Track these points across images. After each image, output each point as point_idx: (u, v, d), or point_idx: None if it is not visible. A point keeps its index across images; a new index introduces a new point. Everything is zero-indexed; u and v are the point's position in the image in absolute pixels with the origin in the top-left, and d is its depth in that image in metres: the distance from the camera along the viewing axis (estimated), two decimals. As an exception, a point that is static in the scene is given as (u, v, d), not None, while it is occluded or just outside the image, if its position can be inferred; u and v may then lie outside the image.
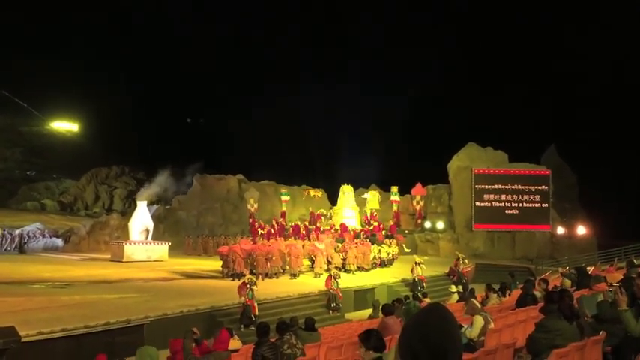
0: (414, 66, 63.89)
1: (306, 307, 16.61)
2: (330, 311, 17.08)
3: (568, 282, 10.65)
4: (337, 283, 17.51)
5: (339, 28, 75.32)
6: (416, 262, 20.79)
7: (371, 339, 3.73)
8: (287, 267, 21.65)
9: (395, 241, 28.48)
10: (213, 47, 73.45)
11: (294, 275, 21.27)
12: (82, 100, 49.89)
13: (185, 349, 6.63)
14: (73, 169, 60.83)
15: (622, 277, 8.80)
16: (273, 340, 7.04)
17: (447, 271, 23.68)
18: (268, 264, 20.93)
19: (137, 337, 12.41)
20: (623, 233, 30.28)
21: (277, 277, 20.86)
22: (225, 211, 38.96)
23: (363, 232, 30.56)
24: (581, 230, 33.13)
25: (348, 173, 39.56)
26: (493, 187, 33.57)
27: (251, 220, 36.46)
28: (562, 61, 55.98)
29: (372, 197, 36.21)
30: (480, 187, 33.65)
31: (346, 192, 35.92)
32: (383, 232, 30.79)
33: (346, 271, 22.47)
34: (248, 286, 14.61)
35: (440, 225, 34.57)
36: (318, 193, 39.82)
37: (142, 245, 27.95)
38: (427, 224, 35.12)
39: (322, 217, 35.32)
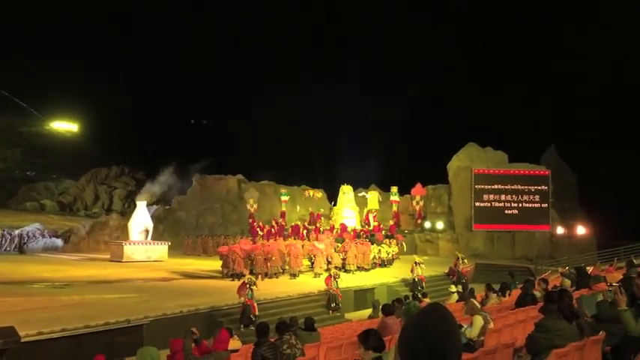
0: (414, 66, 63.98)
1: (305, 307, 16.61)
2: (330, 311, 17.07)
3: (568, 282, 10.65)
4: (337, 283, 17.51)
5: (339, 28, 75.37)
6: (415, 262, 20.79)
7: (370, 339, 3.73)
8: (287, 267, 21.66)
9: (395, 241, 28.50)
10: (213, 47, 73.49)
11: (293, 275, 21.27)
12: (81, 100, 49.86)
13: (185, 349, 6.63)
14: (73, 169, 60.81)
15: (622, 277, 8.80)
16: (272, 340, 7.04)
17: (446, 271, 23.69)
18: (268, 264, 20.94)
19: (137, 337, 12.40)
20: (623, 233, 30.30)
21: (277, 277, 20.85)
22: (225, 211, 38.95)
23: (362, 232, 30.58)
24: (580, 230, 33.15)
25: (348, 173, 39.61)
26: (493, 187, 33.58)
27: (251, 220, 36.45)
28: (562, 61, 56.02)
29: (372, 197, 36.24)
30: (479, 187, 33.66)
31: (346, 192, 35.94)
32: (383, 232, 30.80)
33: (346, 271, 22.47)
34: (248, 286, 14.61)
35: (439, 225, 34.57)
36: (317, 194, 39.82)
37: (142, 245, 27.94)
38: (427, 224, 35.13)
39: (322, 217, 35.34)
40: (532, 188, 33.33)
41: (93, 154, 58.58)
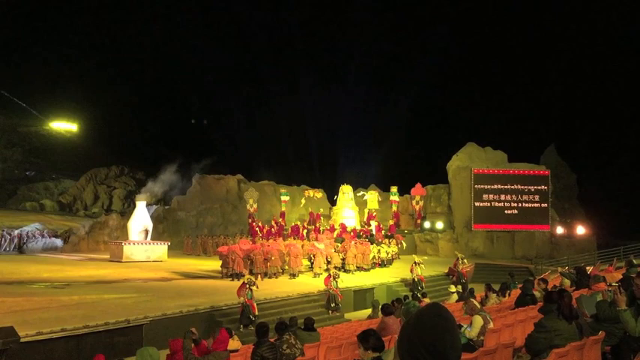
0: (414, 66, 64.01)
1: (305, 307, 16.60)
2: (330, 311, 17.06)
3: (567, 282, 10.65)
4: (336, 283, 17.50)
5: (340, 28, 75.45)
6: (415, 262, 20.78)
7: (369, 339, 3.72)
8: (286, 267, 21.66)
9: (394, 241, 28.49)
10: (213, 47, 73.51)
11: (293, 275, 21.27)
12: (81, 100, 49.94)
13: (185, 349, 6.63)
14: (72, 169, 60.80)
15: (621, 276, 8.79)
16: (272, 340, 7.04)
17: (446, 271, 23.68)
18: (268, 264, 20.93)
19: (136, 337, 12.40)
20: (623, 233, 30.35)
21: (277, 277, 20.85)
22: (225, 211, 38.92)
23: (362, 232, 30.57)
24: (580, 230, 33.16)
25: (348, 173, 39.65)
26: (492, 187, 33.58)
27: (250, 220, 36.44)
28: (562, 61, 56.07)
29: (372, 197, 36.23)
30: (479, 186, 33.66)
31: (345, 192, 35.93)
32: (382, 232, 30.80)
33: (345, 271, 22.47)
34: (247, 286, 14.60)
35: (439, 225, 34.57)
36: (317, 194, 39.79)
37: (141, 245, 27.93)
38: (426, 224, 35.12)
39: (322, 217, 35.32)
40: (532, 188, 33.33)
41: (92, 153, 58.63)
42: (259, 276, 19.59)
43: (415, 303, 13.14)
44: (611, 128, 49.16)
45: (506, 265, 27.72)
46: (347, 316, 17.57)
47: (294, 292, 17.58)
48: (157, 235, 32.09)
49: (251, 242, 24.10)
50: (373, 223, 32.97)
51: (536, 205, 33.21)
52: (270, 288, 17.81)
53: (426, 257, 26.98)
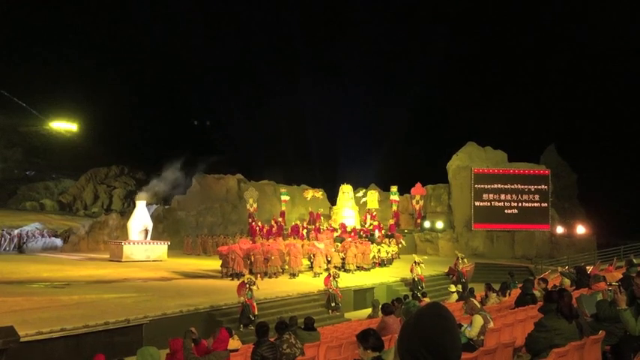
0: (414, 66, 64.03)
1: (305, 306, 16.61)
2: (330, 311, 17.07)
3: (567, 281, 10.64)
4: (336, 283, 17.50)
5: (340, 28, 75.39)
6: (415, 262, 20.78)
7: (369, 339, 3.71)
8: (286, 267, 21.65)
9: (394, 240, 28.49)
10: (213, 47, 73.51)
11: (293, 275, 21.27)
12: (81, 100, 49.94)
13: (185, 348, 6.62)
14: (72, 168, 60.78)
15: (621, 276, 8.80)
16: (272, 339, 7.03)
17: (446, 270, 23.68)
18: (268, 264, 20.93)
19: (136, 337, 12.40)
20: (623, 232, 30.36)
21: (277, 277, 20.85)
22: (225, 211, 38.91)
23: (362, 232, 30.57)
24: (580, 229, 33.16)
25: (348, 173, 39.63)
26: (492, 186, 33.58)
27: (250, 220, 36.44)
28: (562, 61, 56.05)
29: (372, 197, 36.23)
30: (479, 186, 33.66)
31: (345, 191, 35.93)
32: (382, 232, 30.79)
33: (345, 270, 22.47)
34: (247, 285, 14.60)
35: (439, 224, 34.57)
36: (317, 194, 39.79)
37: (141, 245, 27.93)
38: (426, 224, 35.12)
39: (322, 217, 35.32)
40: (532, 188, 33.33)
41: (92, 153, 58.60)
42: (259, 276, 19.60)
43: (415, 302, 13.14)
44: (611, 128, 49.12)
45: (506, 264, 27.72)
46: (347, 315, 17.57)
47: (294, 292, 17.58)
48: (157, 234, 32.08)
49: (251, 242, 24.09)
50: (369, 220, 33.02)
51: (536, 204, 33.21)
52: (270, 287, 17.81)
53: (426, 257, 26.97)
